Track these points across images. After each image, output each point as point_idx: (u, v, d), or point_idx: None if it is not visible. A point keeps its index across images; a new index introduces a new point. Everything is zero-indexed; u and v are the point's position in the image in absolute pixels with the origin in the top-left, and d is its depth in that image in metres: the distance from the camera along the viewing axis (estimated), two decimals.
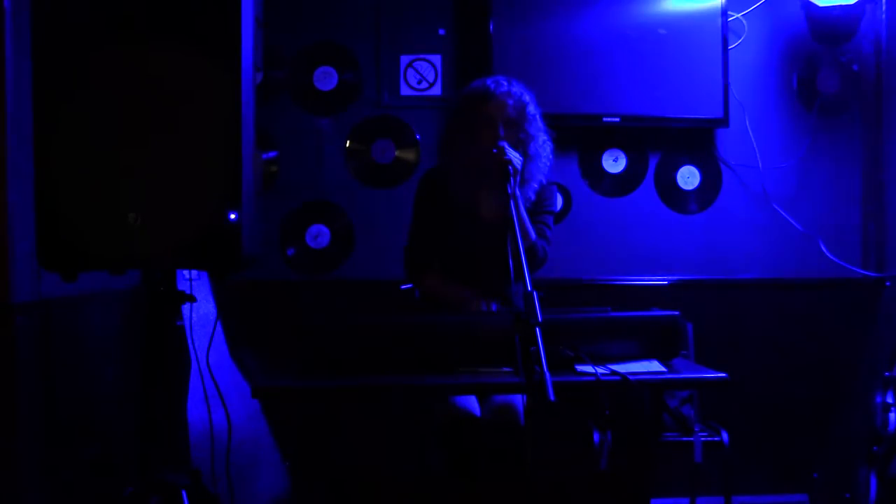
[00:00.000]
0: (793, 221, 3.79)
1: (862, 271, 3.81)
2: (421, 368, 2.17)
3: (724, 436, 3.32)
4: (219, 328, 3.13)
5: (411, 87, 3.73)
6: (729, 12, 3.70)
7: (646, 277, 3.79)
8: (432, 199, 2.89)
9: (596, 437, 3.25)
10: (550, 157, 2.85)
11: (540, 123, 2.82)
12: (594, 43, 3.65)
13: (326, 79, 3.73)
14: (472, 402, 2.65)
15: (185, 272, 2.64)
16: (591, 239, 3.78)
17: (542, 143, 2.81)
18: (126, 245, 1.97)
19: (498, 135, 2.69)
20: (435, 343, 2.19)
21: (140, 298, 2.16)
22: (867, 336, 3.36)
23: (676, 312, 2.28)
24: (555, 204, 2.92)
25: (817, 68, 3.83)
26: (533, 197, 2.82)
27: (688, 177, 3.82)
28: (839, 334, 3.76)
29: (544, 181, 2.85)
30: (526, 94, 2.80)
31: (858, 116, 3.86)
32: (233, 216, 1.98)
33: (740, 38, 3.77)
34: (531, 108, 2.79)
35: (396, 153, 3.75)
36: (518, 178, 2.61)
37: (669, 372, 2.19)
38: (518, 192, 2.65)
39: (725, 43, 3.68)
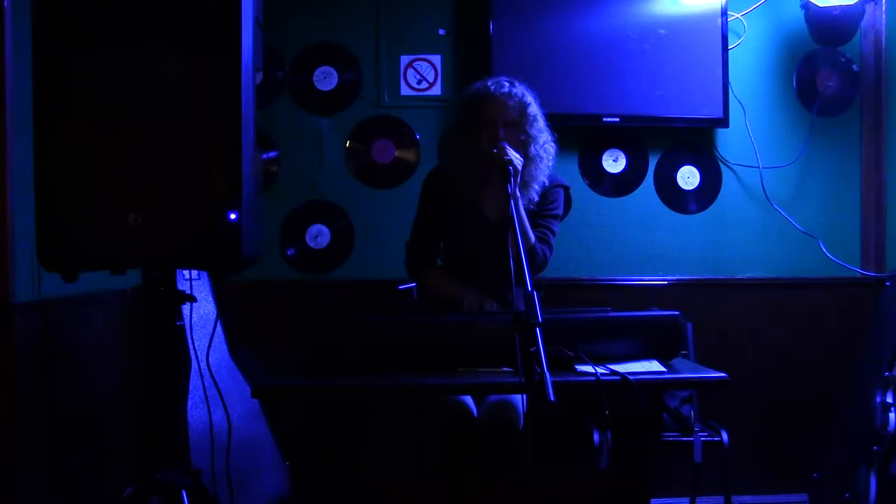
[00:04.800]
0: (793, 221, 3.79)
1: (862, 271, 3.81)
2: (421, 368, 2.17)
3: (724, 436, 3.32)
4: (219, 328, 3.13)
5: (411, 87, 3.73)
6: (729, 12, 3.70)
7: (646, 277, 3.79)
8: (436, 197, 2.89)
9: (596, 437, 3.25)
10: (553, 158, 2.84)
11: (542, 124, 2.81)
12: (594, 43, 3.65)
13: (326, 79, 3.73)
14: (469, 402, 2.65)
15: (185, 272, 2.64)
16: (591, 239, 3.78)
17: (544, 144, 2.80)
18: (126, 245, 1.97)
19: (498, 135, 2.69)
20: (435, 343, 2.19)
21: (140, 298, 2.15)
22: (867, 336, 3.36)
23: (676, 312, 2.28)
24: (559, 207, 2.89)
25: (817, 68, 3.83)
26: (536, 198, 2.81)
27: (688, 177, 3.82)
28: (839, 334, 3.77)
29: (547, 183, 2.84)
30: (528, 95, 2.79)
31: (858, 116, 3.86)
32: (233, 216, 1.98)
33: (740, 38, 3.77)
34: (532, 109, 2.79)
35: (396, 153, 3.75)
36: (518, 179, 2.60)
37: (669, 372, 2.19)
38: (519, 193, 2.64)
39: (725, 43, 3.68)
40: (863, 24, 3.83)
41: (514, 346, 1.79)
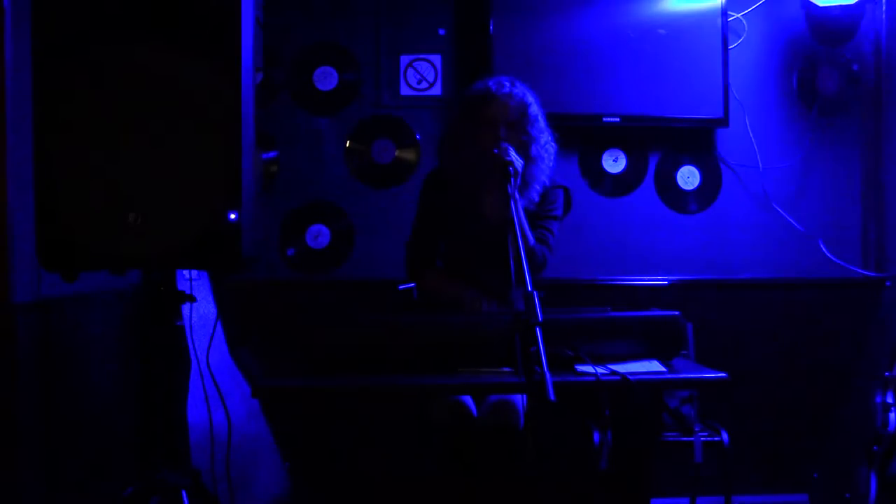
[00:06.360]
0: (793, 221, 3.79)
1: (862, 271, 3.81)
2: (421, 368, 2.17)
3: (724, 436, 3.32)
4: (219, 328, 3.13)
5: (411, 87, 3.73)
6: (729, 12, 3.70)
7: (646, 277, 3.79)
8: (436, 197, 2.89)
9: (596, 437, 3.25)
10: (554, 158, 2.84)
11: (543, 125, 2.81)
12: (594, 43, 3.65)
13: (326, 79, 3.73)
14: (469, 402, 2.65)
15: (185, 272, 2.64)
16: (591, 239, 3.78)
17: (545, 145, 2.80)
18: (126, 245, 1.97)
19: (499, 136, 2.69)
20: (435, 343, 2.19)
21: (140, 298, 2.15)
22: (867, 336, 3.36)
23: (676, 312, 2.28)
24: (559, 208, 2.90)
25: (817, 68, 3.83)
26: (536, 199, 2.81)
27: (688, 177, 3.82)
28: (839, 334, 3.77)
29: (548, 183, 2.84)
30: (529, 95, 2.79)
31: (858, 116, 3.86)
32: (233, 216, 1.98)
33: (740, 38, 3.77)
34: (533, 110, 2.78)
35: (396, 153, 3.75)
36: (518, 180, 2.60)
37: (669, 372, 2.19)
38: (518, 194, 2.64)
39: (725, 43, 3.68)
40: (863, 24, 3.83)
41: (514, 346, 1.79)
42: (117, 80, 1.97)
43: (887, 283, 3.41)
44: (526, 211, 2.76)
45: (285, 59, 3.70)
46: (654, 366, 2.19)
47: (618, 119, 3.67)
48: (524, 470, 2.46)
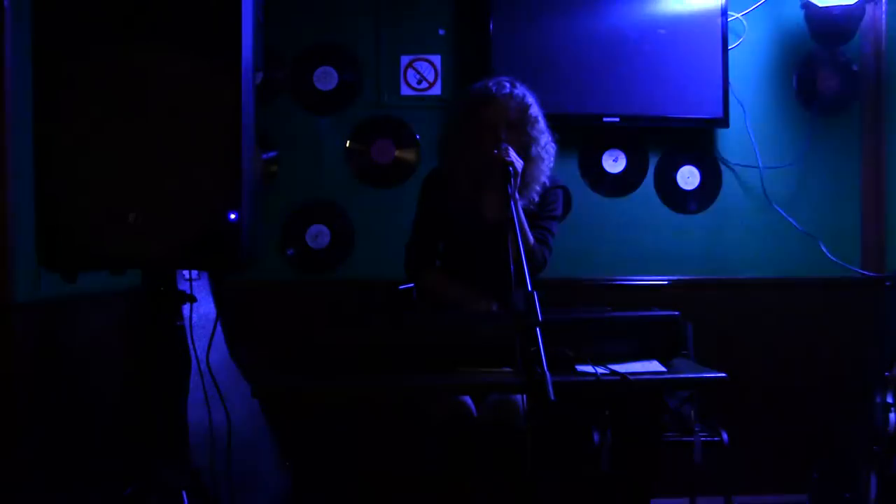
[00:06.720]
0: (793, 221, 3.79)
1: (862, 271, 3.81)
2: (421, 368, 2.17)
3: (724, 436, 3.32)
4: (219, 328, 3.13)
5: (411, 87, 3.73)
6: (729, 12, 3.70)
7: (646, 277, 3.79)
8: (435, 198, 2.89)
9: (596, 437, 3.25)
10: (553, 159, 2.84)
11: (543, 125, 2.81)
12: (594, 43, 3.65)
13: (326, 79, 3.72)
14: (468, 402, 2.65)
15: (185, 272, 2.64)
16: (591, 239, 3.77)
17: (545, 146, 2.80)
18: (126, 245, 1.97)
19: (499, 137, 2.69)
20: (435, 343, 2.19)
21: (140, 298, 2.15)
22: (867, 336, 3.36)
23: (676, 312, 2.28)
24: (558, 208, 2.90)
25: (817, 68, 3.83)
26: (536, 199, 2.81)
27: (688, 177, 3.82)
28: (839, 334, 3.77)
29: (548, 184, 2.84)
30: (529, 96, 2.79)
31: (858, 116, 3.86)
32: (233, 216, 1.98)
33: (740, 38, 3.77)
34: (534, 110, 2.79)
35: (396, 153, 3.74)
36: (518, 180, 2.60)
37: (669, 372, 2.19)
38: (518, 194, 2.64)
39: (725, 43, 3.68)
40: (863, 24, 3.83)
41: (514, 346, 1.79)
42: (117, 80, 1.97)
43: (887, 283, 3.41)
44: (525, 211, 2.76)
45: (285, 59, 3.70)
46: (654, 366, 2.20)
47: (618, 119, 3.67)
48: (524, 470, 2.46)
